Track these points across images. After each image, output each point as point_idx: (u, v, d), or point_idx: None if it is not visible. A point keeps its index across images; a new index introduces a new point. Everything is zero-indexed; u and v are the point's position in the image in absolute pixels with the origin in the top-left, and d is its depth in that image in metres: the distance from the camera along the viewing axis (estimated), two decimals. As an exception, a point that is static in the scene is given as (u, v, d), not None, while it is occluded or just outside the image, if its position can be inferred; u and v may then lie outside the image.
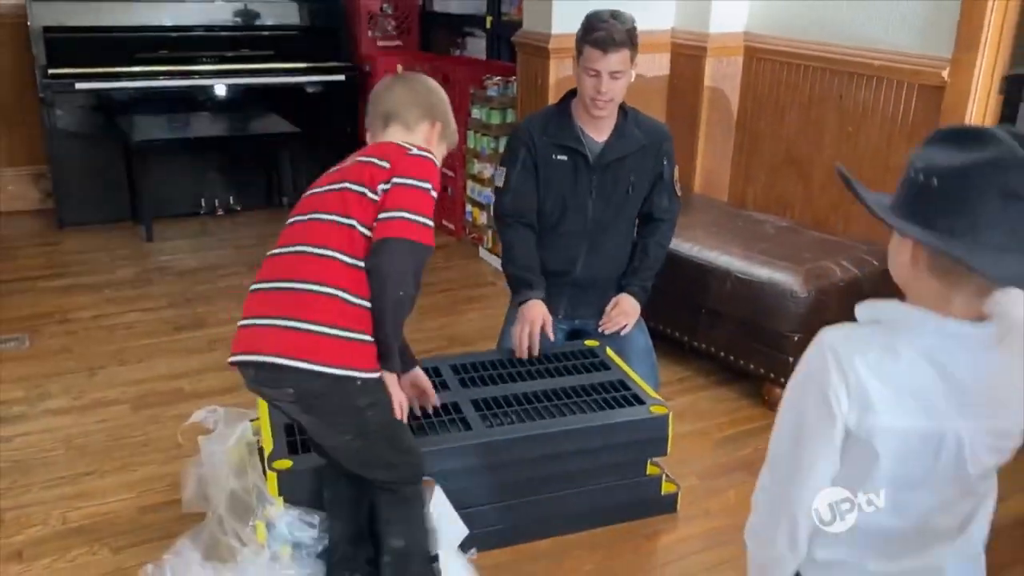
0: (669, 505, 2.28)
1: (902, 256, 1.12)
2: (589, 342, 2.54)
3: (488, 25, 4.37)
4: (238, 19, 4.54)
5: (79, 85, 4.06)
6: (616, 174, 2.48)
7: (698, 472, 2.46)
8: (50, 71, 4.03)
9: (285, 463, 1.93)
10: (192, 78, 4.34)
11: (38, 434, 2.57)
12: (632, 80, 2.45)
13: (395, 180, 1.64)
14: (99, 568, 2.04)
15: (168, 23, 4.39)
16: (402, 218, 1.61)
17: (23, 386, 2.83)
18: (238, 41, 4.52)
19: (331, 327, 1.57)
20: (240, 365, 1.65)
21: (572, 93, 2.50)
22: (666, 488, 2.27)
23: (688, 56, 3.58)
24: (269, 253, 1.71)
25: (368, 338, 1.62)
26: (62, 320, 3.34)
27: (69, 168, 4.24)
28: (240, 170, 4.58)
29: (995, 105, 2.78)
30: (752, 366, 2.81)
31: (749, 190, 3.63)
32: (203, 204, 4.39)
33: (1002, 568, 2.07)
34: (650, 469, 2.23)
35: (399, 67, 4.57)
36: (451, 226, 4.35)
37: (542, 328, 2.40)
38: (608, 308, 2.54)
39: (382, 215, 1.62)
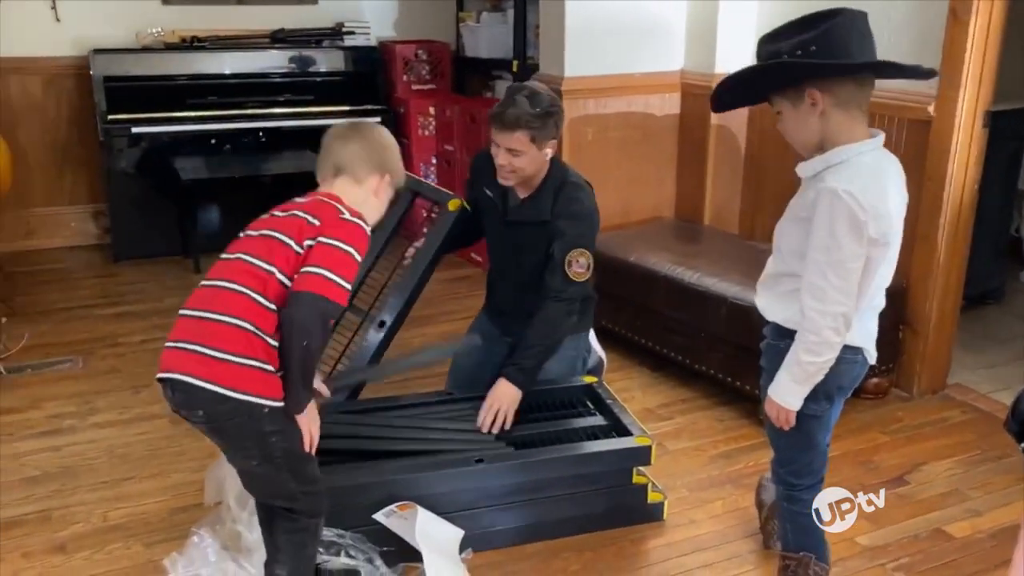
0: (656, 513, 2.42)
1: (810, 121, 1.71)
2: (587, 378, 2.71)
3: (514, 68, 4.60)
4: (286, 66, 4.87)
5: (135, 129, 4.41)
6: (516, 233, 2.60)
7: (688, 484, 2.61)
8: (109, 116, 4.39)
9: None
10: (239, 121, 4.66)
11: (85, 444, 2.83)
12: (547, 157, 2.48)
13: (321, 239, 1.73)
14: (132, 560, 2.27)
15: (224, 71, 4.74)
16: (321, 275, 1.70)
17: (75, 402, 3.10)
18: (283, 87, 4.84)
19: (239, 356, 1.69)
20: (162, 383, 1.77)
21: None
22: (653, 497, 2.41)
23: (696, 96, 3.77)
24: (201, 284, 1.81)
25: (273, 370, 1.73)
26: (113, 344, 3.63)
27: (125, 206, 4.58)
28: (282, 206, 4.88)
29: (979, 138, 2.91)
30: (748, 387, 2.94)
31: (758, 222, 3.78)
32: (247, 238, 4.68)
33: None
34: (637, 479, 2.39)
35: (431, 109, 4.85)
36: (478, 258, 4.56)
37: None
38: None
39: (303, 268, 1.71)
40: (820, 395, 1.84)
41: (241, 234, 1.86)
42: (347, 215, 1.80)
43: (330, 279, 1.71)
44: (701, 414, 3.05)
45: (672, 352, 3.25)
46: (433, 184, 2.86)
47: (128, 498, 2.54)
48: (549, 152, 2.48)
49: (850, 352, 1.82)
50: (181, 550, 2.15)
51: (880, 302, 1.86)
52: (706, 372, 3.13)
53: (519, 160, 2.43)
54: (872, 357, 1.88)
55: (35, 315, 3.87)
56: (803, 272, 1.74)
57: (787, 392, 1.81)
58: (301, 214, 1.78)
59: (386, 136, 1.98)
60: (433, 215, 2.91)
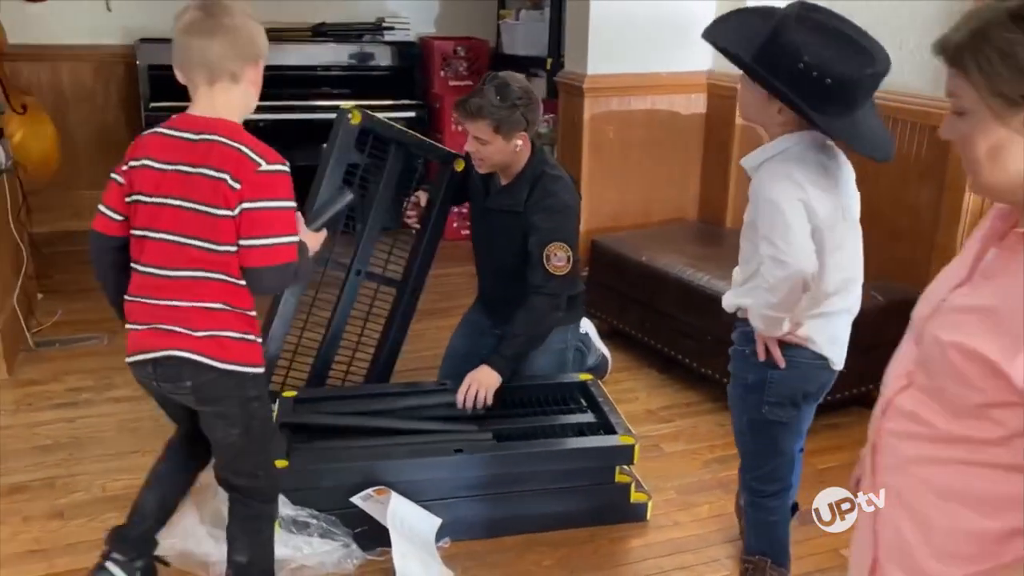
0: (640, 513, 2.41)
1: (771, 114, 1.70)
2: (584, 375, 2.72)
3: (547, 66, 4.61)
4: (325, 60, 4.96)
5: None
6: (492, 219, 2.61)
7: (678, 487, 2.58)
8: (151, 104, 4.52)
9: (282, 463, 2.17)
10: (276, 113, 4.75)
11: (98, 417, 2.94)
12: (517, 149, 2.47)
13: (249, 205, 1.65)
14: (124, 530, 2.35)
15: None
16: (268, 246, 1.67)
17: (94, 377, 3.22)
18: (321, 80, 4.93)
19: (220, 331, 1.72)
20: (137, 364, 1.79)
21: None
22: (636, 497, 2.40)
23: (723, 96, 3.73)
24: (144, 269, 1.75)
25: (254, 338, 1.78)
26: (139, 323, 3.75)
27: (165, 191, 4.72)
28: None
29: (1002, 146, 2.81)
30: (751, 393, 2.90)
31: (781, 227, 3.71)
32: (281, 225, 4.78)
33: None
34: (620, 478, 2.38)
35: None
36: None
37: None
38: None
39: (244, 241, 1.67)
40: (786, 402, 1.82)
41: (152, 194, 1.72)
42: (264, 165, 1.68)
43: (275, 244, 1.68)
44: (703, 418, 3.02)
45: (680, 355, 3.22)
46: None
47: (130, 471, 2.62)
48: (519, 143, 2.47)
49: (816, 359, 1.79)
50: (167, 524, 2.21)
51: (844, 307, 1.81)
52: (712, 376, 3.09)
53: (485, 149, 2.45)
54: (838, 365, 1.84)
55: (71, 293, 4.02)
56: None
57: (766, 332, 1.78)
58: (214, 174, 1.67)
59: (248, 19, 1.77)
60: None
